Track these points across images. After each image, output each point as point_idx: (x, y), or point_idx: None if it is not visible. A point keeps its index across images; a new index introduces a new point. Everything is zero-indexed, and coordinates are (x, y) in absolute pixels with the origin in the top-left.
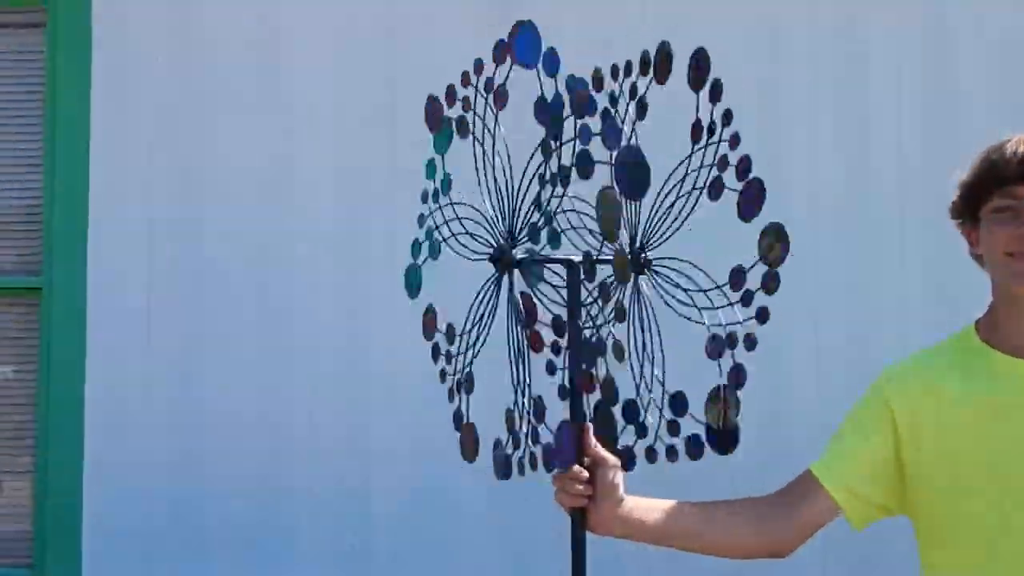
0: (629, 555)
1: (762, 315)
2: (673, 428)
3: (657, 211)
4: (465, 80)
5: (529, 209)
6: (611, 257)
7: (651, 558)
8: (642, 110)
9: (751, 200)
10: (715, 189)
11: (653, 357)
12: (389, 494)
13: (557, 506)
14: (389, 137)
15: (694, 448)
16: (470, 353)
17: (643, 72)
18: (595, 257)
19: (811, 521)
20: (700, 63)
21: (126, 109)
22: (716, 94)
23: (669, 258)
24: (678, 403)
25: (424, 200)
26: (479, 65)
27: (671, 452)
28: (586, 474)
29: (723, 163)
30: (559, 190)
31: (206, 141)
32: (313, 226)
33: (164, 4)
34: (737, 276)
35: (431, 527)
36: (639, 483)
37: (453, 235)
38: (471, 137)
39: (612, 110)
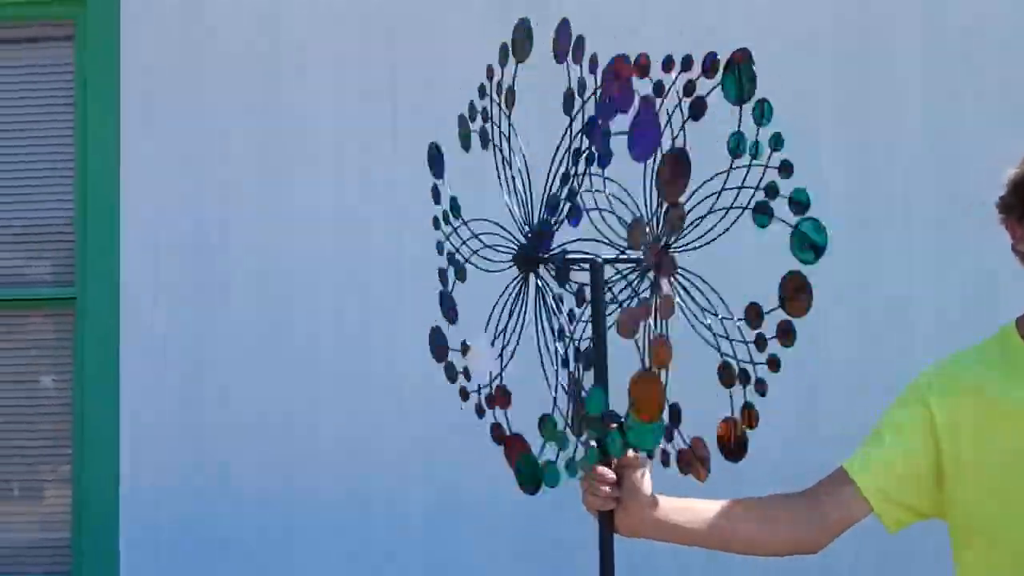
0: (662, 555)
1: (771, 364)
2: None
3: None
4: (481, 91)
5: (555, 198)
6: (635, 256)
7: (687, 558)
8: (699, 109)
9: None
10: (761, 213)
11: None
12: (408, 498)
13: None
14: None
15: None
16: (499, 363)
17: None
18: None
19: (843, 520)
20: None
21: (156, 121)
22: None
23: (688, 271)
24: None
25: (436, 227)
26: (490, 71)
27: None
28: (613, 476)
29: (772, 191)
30: (592, 168)
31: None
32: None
33: (191, 15)
34: (754, 315)
35: (454, 530)
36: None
37: (475, 252)
38: (490, 146)
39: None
